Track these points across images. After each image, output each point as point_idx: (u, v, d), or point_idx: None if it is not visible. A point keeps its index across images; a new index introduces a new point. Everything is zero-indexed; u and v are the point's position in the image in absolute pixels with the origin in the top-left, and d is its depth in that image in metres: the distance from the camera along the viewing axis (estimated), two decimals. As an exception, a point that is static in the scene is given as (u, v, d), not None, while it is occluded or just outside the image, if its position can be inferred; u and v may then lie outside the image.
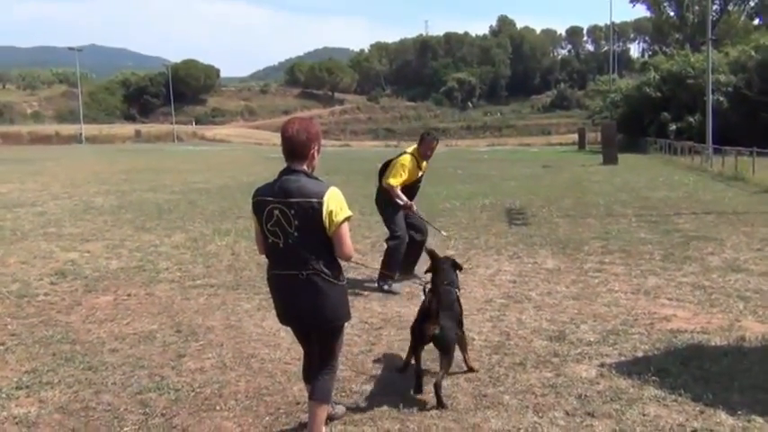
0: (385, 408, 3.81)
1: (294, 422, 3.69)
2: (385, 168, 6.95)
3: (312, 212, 3.11)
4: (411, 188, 6.99)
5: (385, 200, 6.93)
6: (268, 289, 3.46)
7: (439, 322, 3.91)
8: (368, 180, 21.32)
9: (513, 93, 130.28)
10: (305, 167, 3.24)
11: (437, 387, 3.82)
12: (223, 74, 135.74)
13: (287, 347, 4.84)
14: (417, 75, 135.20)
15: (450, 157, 34.11)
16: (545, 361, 4.54)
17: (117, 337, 5.17)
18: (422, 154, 6.94)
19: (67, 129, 74.88)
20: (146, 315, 5.80)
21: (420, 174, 7.02)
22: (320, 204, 3.11)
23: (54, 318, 5.71)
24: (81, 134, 70.47)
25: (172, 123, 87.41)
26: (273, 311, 3.52)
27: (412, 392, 3.99)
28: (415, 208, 6.96)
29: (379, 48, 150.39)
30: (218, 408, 3.86)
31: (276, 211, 3.16)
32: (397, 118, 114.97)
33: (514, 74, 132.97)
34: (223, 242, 9.45)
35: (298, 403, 3.88)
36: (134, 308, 6.05)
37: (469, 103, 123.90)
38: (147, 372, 4.40)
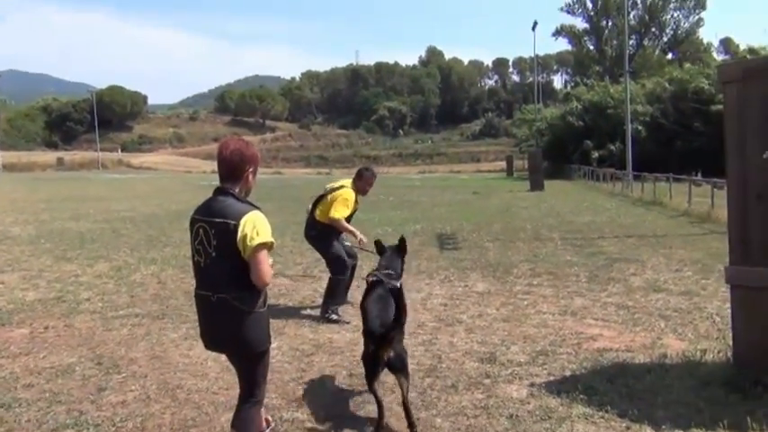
0: (316, 435, 3.73)
1: (222, 454, 3.56)
2: (318, 202, 6.81)
3: (227, 235, 3.05)
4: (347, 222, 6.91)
5: (320, 233, 6.74)
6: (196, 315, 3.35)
7: (392, 346, 3.80)
8: (300, 207, 21.21)
9: (443, 121, 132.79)
10: (236, 189, 3.21)
11: (406, 407, 3.75)
12: (151, 101, 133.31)
13: (214, 377, 4.70)
14: (348, 103, 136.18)
15: (382, 185, 34.23)
16: (476, 383, 4.56)
17: (32, 371, 4.90)
18: (359, 189, 6.84)
19: (-17, 156, 71.51)
20: (64, 348, 5.53)
21: (355, 208, 6.91)
22: (236, 227, 3.04)
23: (-37, 353, 5.37)
24: (-1, 162, 67.49)
25: (96, 151, 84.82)
26: (200, 339, 3.40)
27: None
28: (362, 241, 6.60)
29: (310, 76, 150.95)
30: (140, 442, 3.69)
31: (201, 230, 3.13)
32: (329, 146, 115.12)
33: (444, 103, 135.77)
34: (149, 271, 9.16)
35: (225, 434, 3.75)
36: (52, 340, 5.76)
37: (400, 131, 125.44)
38: (64, 407, 4.18)
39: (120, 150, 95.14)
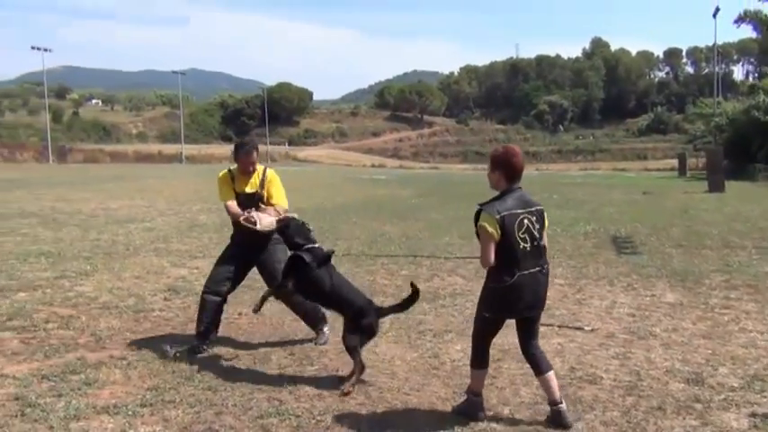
0: None
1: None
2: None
3: (542, 218, 3.96)
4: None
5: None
6: (497, 294, 3.89)
7: None
8: (461, 203, 21.13)
9: (607, 116, 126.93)
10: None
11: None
12: (315, 96, 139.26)
13: (404, 377, 4.70)
14: (507, 98, 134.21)
15: (543, 182, 33.34)
16: (686, 406, 4.18)
17: (231, 357, 5.16)
18: (239, 169, 5.51)
19: (169, 148, 78.61)
20: (258, 336, 5.80)
21: (251, 191, 5.47)
22: (542, 210, 4.00)
23: (170, 334, 5.78)
24: (182, 153, 73.70)
25: (266, 144, 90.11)
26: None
27: None
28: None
29: (468, 71, 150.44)
30: (341, 438, 3.74)
31: (526, 220, 3.85)
32: (487, 141, 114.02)
33: (608, 96, 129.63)
34: (326, 263, 9.43)
35: (422, 438, 3.71)
36: (245, 327, 6.07)
37: (561, 127, 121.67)
38: (265, 395, 4.34)
39: (287, 144, 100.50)
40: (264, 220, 5.18)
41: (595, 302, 7.20)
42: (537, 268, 3.90)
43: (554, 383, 3.97)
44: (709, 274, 8.78)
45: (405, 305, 4.79)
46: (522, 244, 3.83)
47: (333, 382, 4.61)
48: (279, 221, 5.08)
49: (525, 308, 3.95)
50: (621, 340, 5.72)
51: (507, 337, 5.70)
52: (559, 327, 6.06)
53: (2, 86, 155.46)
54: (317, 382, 4.62)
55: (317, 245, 4.90)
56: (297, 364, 5.01)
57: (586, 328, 6.10)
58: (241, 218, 5.20)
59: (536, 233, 3.89)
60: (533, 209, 3.92)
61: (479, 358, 4.09)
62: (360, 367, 4.51)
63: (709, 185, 28.05)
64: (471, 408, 4.06)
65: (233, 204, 5.42)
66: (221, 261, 5.49)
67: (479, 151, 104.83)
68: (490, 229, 3.79)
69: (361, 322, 4.59)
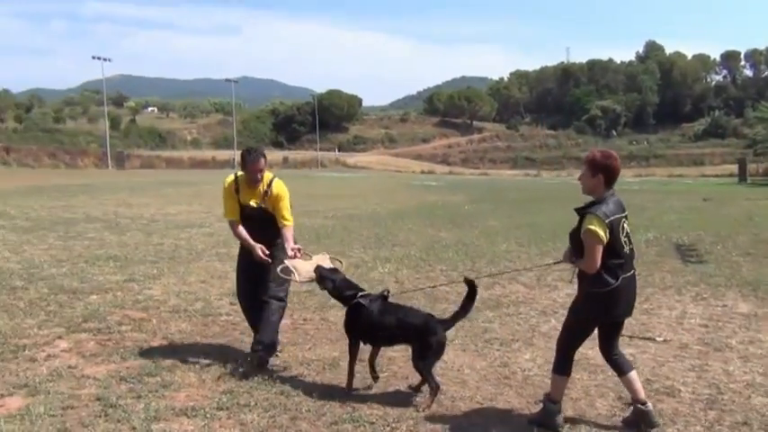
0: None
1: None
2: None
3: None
4: (255, 226, 5.19)
5: None
6: (599, 298, 3.89)
7: None
8: (515, 209, 20.92)
9: (662, 121, 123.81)
10: None
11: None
12: (365, 103, 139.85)
13: (475, 385, 4.67)
14: (558, 103, 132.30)
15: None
16: (773, 422, 4.03)
17: (301, 362, 5.21)
18: (247, 178, 5.17)
19: (222, 154, 79.96)
20: (325, 341, 5.84)
21: (256, 205, 5.19)
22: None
23: (238, 338, 5.87)
24: (234, 159, 74.92)
25: (316, 150, 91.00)
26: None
27: None
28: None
29: (519, 76, 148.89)
30: (417, 446, 3.72)
31: (625, 224, 3.97)
32: (537, 146, 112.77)
33: (663, 101, 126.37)
34: (385, 269, 9.46)
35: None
36: (312, 333, 6.12)
37: (613, 132, 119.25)
38: (338, 401, 4.36)
39: (337, 150, 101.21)
40: (303, 273, 4.82)
41: (665, 312, 7.03)
42: (632, 271, 4.01)
43: (638, 383, 4.04)
44: (782, 284, 8.47)
45: (467, 306, 4.52)
46: (625, 247, 3.93)
47: (404, 390, 4.60)
48: (321, 279, 4.80)
49: (623, 311, 4.02)
50: (696, 352, 5.57)
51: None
52: (630, 337, 5.92)
53: (64, 94, 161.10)
54: (387, 388, 4.63)
55: (365, 291, 4.78)
56: (367, 370, 5.01)
57: (658, 338, 5.95)
58: (279, 271, 4.87)
59: (631, 237, 4.02)
60: (626, 213, 4.02)
61: (564, 364, 4.06)
62: (435, 387, 4.34)
63: (774, 192, 27.09)
64: (549, 416, 4.02)
65: (241, 230, 5.15)
66: (240, 273, 5.45)
67: (529, 156, 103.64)
68: (601, 233, 3.81)
69: (428, 341, 4.39)
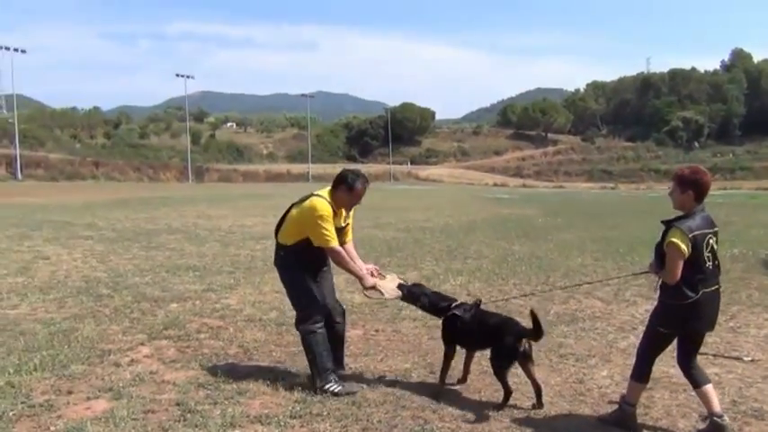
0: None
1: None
2: (283, 218, 5.04)
3: (717, 238, 4.08)
4: (320, 251, 4.84)
5: (284, 259, 4.99)
6: (678, 310, 3.97)
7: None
8: (589, 222, 20.41)
9: (748, 132, 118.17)
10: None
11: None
12: (438, 116, 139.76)
13: (549, 401, 4.56)
14: (637, 114, 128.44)
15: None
16: None
17: (373, 372, 5.23)
18: (341, 202, 4.88)
19: (297, 168, 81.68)
20: (397, 352, 5.84)
21: (343, 226, 4.98)
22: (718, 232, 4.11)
23: (312, 348, 5.93)
24: (308, 173, 76.34)
25: (389, 164, 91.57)
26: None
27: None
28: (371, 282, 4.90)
29: (595, 87, 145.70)
30: (489, 461, 3.67)
31: (711, 240, 4.00)
32: (614, 159, 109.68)
33: (750, 111, 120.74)
34: (457, 282, 9.40)
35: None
36: (384, 344, 6.13)
37: (696, 143, 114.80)
38: (409, 413, 4.35)
39: (409, 163, 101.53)
40: (389, 290, 4.90)
41: (752, 331, 6.70)
42: (716, 286, 4.04)
43: (714, 396, 4.05)
44: None
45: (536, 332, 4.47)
46: (707, 262, 3.96)
47: (476, 403, 4.55)
48: (413, 295, 4.97)
49: (704, 325, 4.09)
50: (788, 373, 5.26)
51: (658, 365, 5.41)
52: (714, 356, 5.67)
53: (150, 111, 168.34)
54: (459, 401, 4.59)
55: (457, 300, 4.99)
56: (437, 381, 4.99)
57: (746, 358, 5.67)
58: (365, 291, 4.89)
59: (717, 253, 4.04)
60: (715, 229, 4.07)
61: (642, 371, 4.17)
62: (507, 391, 4.45)
63: None
64: (624, 418, 4.13)
65: (345, 255, 4.83)
66: (316, 290, 4.90)
67: (606, 169, 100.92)
68: (683, 247, 3.88)
69: (504, 341, 4.47)
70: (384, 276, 5.12)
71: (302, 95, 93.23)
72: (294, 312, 5.02)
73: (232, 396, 4.60)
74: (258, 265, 10.82)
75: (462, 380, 4.94)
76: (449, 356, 4.80)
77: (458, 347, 4.86)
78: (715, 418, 3.95)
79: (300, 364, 5.39)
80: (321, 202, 4.73)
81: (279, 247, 4.99)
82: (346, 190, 4.83)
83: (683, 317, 3.99)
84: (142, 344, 5.94)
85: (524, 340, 4.47)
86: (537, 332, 4.46)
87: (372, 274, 4.97)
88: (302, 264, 4.85)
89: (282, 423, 4.15)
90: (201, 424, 4.10)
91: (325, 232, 4.68)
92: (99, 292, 8.25)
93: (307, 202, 4.79)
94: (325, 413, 4.33)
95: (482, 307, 4.90)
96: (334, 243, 4.73)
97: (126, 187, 46.94)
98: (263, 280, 9.37)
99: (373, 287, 4.88)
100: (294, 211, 4.87)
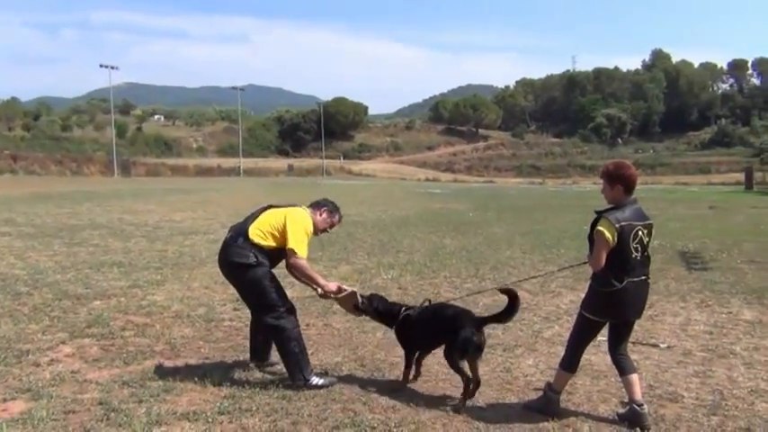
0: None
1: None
2: (257, 215, 4.98)
3: (652, 231, 4.26)
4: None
5: (251, 261, 4.78)
6: (603, 297, 4.14)
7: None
8: (518, 217, 20.90)
9: (667, 129, 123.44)
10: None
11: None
12: (370, 111, 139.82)
13: (478, 390, 4.65)
14: (563, 111, 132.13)
15: (602, 196, 32.64)
16: (777, 428, 4.01)
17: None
18: (316, 225, 5.01)
19: (228, 162, 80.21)
20: (328, 346, 5.84)
21: None
22: (652, 224, 4.28)
23: (241, 344, 5.84)
24: (239, 167, 75.17)
25: (322, 158, 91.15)
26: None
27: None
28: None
29: (524, 84, 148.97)
30: (418, 451, 3.72)
31: (640, 232, 4.13)
32: (543, 154, 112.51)
33: (669, 109, 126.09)
34: (389, 275, 9.47)
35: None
36: (315, 338, 6.11)
37: (619, 140, 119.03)
38: (339, 406, 4.36)
39: (341, 158, 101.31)
40: (349, 310, 5.11)
41: (668, 319, 7.01)
42: (643, 277, 4.19)
43: (638, 385, 4.19)
44: (787, 291, 8.44)
45: (503, 316, 4.58)
46: (634, 253, 4.10)
47: (405, 395, 4.59)
48: (360, 305, 5.00)
49: (629, 314, 4.23)
50: (700, 358, 5.55)
51: (580, 352, 5.61)
52: (633, 343, 5.89)
53: (72, 102, 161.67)
54: (389, 393, 4.62)
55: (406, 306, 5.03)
56: (368, 375, 5.02)
57: (662, 345, 5.93)
58: (330, 292, 4.94)
59: (646, 244, 4.18)
60: (647, 222, 4.21)
61: (570, 360, 4.28)
62: (465, 380, 4.40)
63: (780, 200, 27.02)
64: (547, 404, 4.26)
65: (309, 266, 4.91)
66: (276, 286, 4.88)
67: (535, 165, 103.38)
68: (608, 235, 4.04)
69: (459, 335, 4.43)
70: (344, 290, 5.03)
71: (233, 88, 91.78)
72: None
73: (158, 394, 4.50)
74: (186, 260, 10.60)
75: (414, 378, 4.85)
76: (409, 360, 4.79)
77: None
78: (635, 406, 4.09)
79: (231, 361, 5.32)
80: (307, 218, 4.92)
81: (250, 245, 4.79)
82: (328, 212, 5.09)
83: (608, 304, 4.15)
84: (63, 343, 5.73)
85: (480, 332, 4.47)
86: (508, 314, 4.51)
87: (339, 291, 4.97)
88: (270, 264, 4.88)
89: (210, 419, 4.09)
90: (125, 423, 3.99)
91: (305, 243, 4.83)
92: (17, 289, 7.90)
93: (299, 213, 4.93)
94: (254, 408, 4.28)
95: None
96: (305, 254, 4.82)
97: (47, 181, 45.03)
98: (192, 276, 9.19)
99: (335, 292, 4.95)
100: (285, 219, 4.83)
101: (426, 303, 4.97)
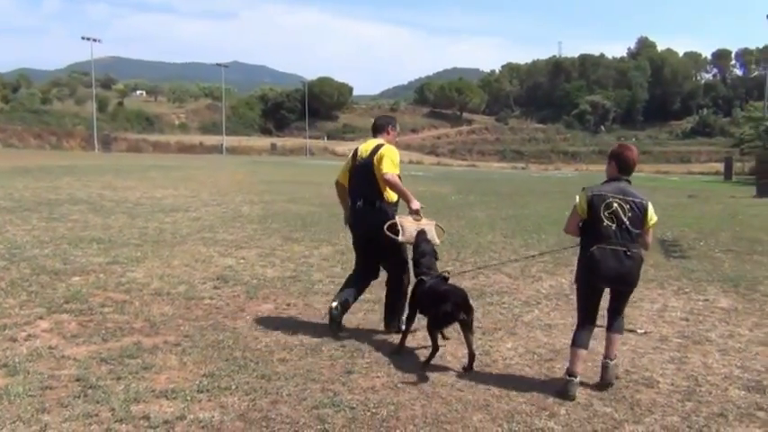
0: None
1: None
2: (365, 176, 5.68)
3: (639, 209, 4.41)
4: None
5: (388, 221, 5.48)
6: (581, 263, 4.50)
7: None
8: (503, 201, 20.98)
9: (650, 118, 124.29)
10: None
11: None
12: (355, 92, 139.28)
13: (455, 373, 4.68)
14: (548, 96, 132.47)
15: (582, 182, 32.79)
16: (749, 414, 4.09)
17: (284, 346, 5.20)
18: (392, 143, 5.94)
19: (210, 139, 79.64)
20: (308, 326, 5.83)
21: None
22: (646, 204, 4.46)
23: (222, 322, 5.84)
24: (222, 145, 74.63)
25: (305, 138, 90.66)
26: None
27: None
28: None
29: (510, 69, 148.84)
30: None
31: (615, 204, 4.37)
32: (526, 140, 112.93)
33: (652, 98, 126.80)
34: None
35: (479, 435, 3.69)
36: (296, 318, 6.11)
37: (602, 127, 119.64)
38: (319, 386, 4.37)
39: (325, 138, 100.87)
40: (408, 234, 5.44)
41: (646, 305, 7.09)
42: (620, 248, 4.36)
43: (616, 344, 4.60)
44: (762, 280, 8.57)
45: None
46: (605, 221, 4.37)
47: (385, 375, 4.61)
48: (416, 241, 5.45)
49: (603, 279, 4.43)
50: (676, 344, 5.62)
51: (558, 338, 5.69)
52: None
53: (53, 75, 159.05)
54: (369, 374, 4.64)
55: (435, 273, 5.26)
56: (348, 355, 5.03)
57: (639, 330, 6.00)
58: (388, 224, 5.41)
59: (624, 218, 4.37)
60: (630, 198, 4.42)
61: (582, 317, 4.61)
62: (434, 347, 4.78)
63: (758, 190, 27.38)
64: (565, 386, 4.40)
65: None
66: None
67: (518, 150, 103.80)
68: (579, 202, 4.49)
69: (443, 306, 4.74)
70: (420, 218, 5.59)
71: (217, 65, 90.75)
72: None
73: (137, 371, 4.48)
74: (167, 238, 10.51)
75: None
76: (410, 319, 5.18)
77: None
78: (604, 359, 4.51)
79: (211, 339, 5.30)
80: (392, 148, 5.72)
81: (387, 205, 5.60)
82: (391, 131, 5.98)
83: (580, 268, 4.55)
84: (41, 318, 5.68)
85: (462, 311, 4.75)
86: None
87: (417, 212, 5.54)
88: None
89: (189, 397, 4.08)
90: (103, 400, 3.97)
91: (395, 162, 5.61)
92: (-6, 264, 7.80)
93: (386, 148, 5.65)
94: (233, 387, 4.28)
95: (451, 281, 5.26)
96: (397, 169, 5.61)
97: (26, 155, 44.34)
98: (173, 253, 9.13)
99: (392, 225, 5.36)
100: (382, 164, 5.51)
101: (446, 274, 5.27)
